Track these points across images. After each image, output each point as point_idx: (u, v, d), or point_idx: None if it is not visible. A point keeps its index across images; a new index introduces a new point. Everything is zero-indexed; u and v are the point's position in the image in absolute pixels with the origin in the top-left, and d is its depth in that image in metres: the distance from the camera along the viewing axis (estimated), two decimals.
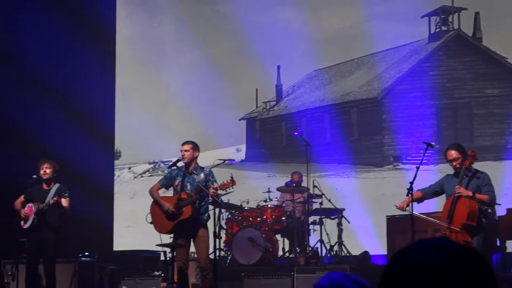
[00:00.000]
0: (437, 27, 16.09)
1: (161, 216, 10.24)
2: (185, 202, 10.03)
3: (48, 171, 11.14)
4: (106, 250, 14.75)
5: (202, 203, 10.21)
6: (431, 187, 9.81)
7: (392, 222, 11.58)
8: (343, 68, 15.84)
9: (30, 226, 11.00)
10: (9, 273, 11.65)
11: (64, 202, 10.89)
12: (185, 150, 10.28)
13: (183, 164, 10.35)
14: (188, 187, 10.18)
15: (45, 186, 11.20)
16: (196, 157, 10.34)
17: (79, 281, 12.15)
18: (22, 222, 11.07)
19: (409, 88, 15.31)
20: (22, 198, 11.19)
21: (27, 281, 11.10)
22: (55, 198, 10.72)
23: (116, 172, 16.87)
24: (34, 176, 11.24)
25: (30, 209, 11.00)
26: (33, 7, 15.35)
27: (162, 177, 10.85)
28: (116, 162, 16.92)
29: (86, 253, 12.81)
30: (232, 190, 10.85)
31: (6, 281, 11.53)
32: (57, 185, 11.15)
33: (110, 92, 16.87)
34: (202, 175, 10.15)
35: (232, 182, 10.02)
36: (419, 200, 9.73)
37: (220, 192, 10.13)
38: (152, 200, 10.46)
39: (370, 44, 15.52)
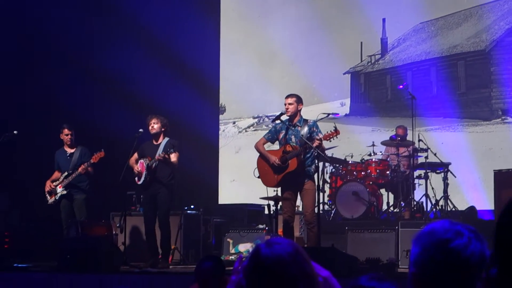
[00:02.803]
0: None
1: (268, 170, 10.31)
2: (291, 155, 10.07)
3: (155, 126, 11.33)
4: (211, 203, 14.94)
5: (308, 155, 10.22)
6: None
7: (500, 176, 11.34)
8: (450, 20, 15.46)
9: (143, 182, 11.25)
10: (117, 225, 11.93)
11: (173, 157, 11.08)
12: (289, 103, 10.30)
13: (287, 117, 10.37)
14: (293, 139, 10.21)
15: (154, 141, 11.41)
16: (300, 110, 10.35)
17: (185, 234, 12.37)
18: (136, 179, 11.33)
19: None
20: (135, 155, 11.43)
21: (146, 234, 11.41)
22: (161, 154, 10.91)
23: (221, 127, 17.00)
24: (140, 130, 11.46)
25: (142, 165, 11.24)
26: None
27: (267, 131, 10.90)
28: (220, 116, 17.04)
29: (192, 206, 13.00)
30: (336, 145, 10.84)
31: (114, 232, 11.82)
32: (166, 140, 11.33)
33: (215, 48, 16.97)
34: (306, 127, 10.16)
35: (336, 132, 9.99)
36: None
37: (324, 143, 10.11)
38: (257, 155, 10.53)
39: None
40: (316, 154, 10.12)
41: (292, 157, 10.06)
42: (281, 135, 10.36)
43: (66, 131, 12.20)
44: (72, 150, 12.22)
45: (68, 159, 12.16)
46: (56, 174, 12.17)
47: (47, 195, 12.06)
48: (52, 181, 12.09)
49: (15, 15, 14.29)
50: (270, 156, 10.27)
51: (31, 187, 13.28)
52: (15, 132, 12.15)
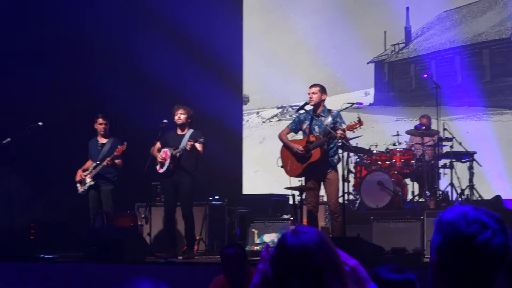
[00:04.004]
0: None
1: (291, 159, 10.31)
2: (314, 145, 10.06)
3: (182, 116, 11.36)
4: (236, 194, 14.96)
5: (331, 145, 10.20)
6: None
7: None
8: (474, 8, 15.34)
9: (166, 171, 11.27)
10: (143, 216, 11.97)
11: (199, 146, 11.10)
12: (313, 93, 10.29)
13: (311, 107, 10.35)
14: (316, 129, 10.19)
15: (179, 131, 11.44)
16: (324, 99, 10.34)
17: (210, 224, 12.40)
18: (158, 167, 11.34)
19: None
20: (158, 144, 11.45)
21: (166, 223, 11.43)
22: (191, 142, 10.92)
23: (245, 117, 17.00)
24: (165, 121, 11.48)
25: (166, 154, 11.25)
26: None
27: (291, 121, 10.90)
28: (244, 107, 17.03)
29: (217, 197, 13.03)
30: (360, 135, 10.80)
31: (140, 223, 11.86)
32: (191, 131, 11.35)
33: (238, 38, 16.96)
34: (329, 117, 10.13)
35: (360, 122, 9.97)
36: None
37: (348, 133, 10.09)
38: (281, 144, 10.54)
39: None
40: (340, 144, 10.10)
41: (315, 147, 10.05)
42: (305, 125, 10.35)
43: (100, 120, 12.22)
44: (105, 141, 12.25)
45: (99, 149, 12.20)
46: (89, 163, 12.23)
47: (78, 184, 12.13)
48: (84, 170, 12.15)
49: (56, 16, 14.44)
50: (293, 145, 10.28)
51: (56, 178, 13.36)
52: (40, 123, 12.21)
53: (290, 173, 10.38)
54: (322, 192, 10.53)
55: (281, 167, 10.50)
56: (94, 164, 12.07)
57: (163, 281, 3.30)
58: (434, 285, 2.41)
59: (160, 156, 11.29)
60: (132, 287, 3.22)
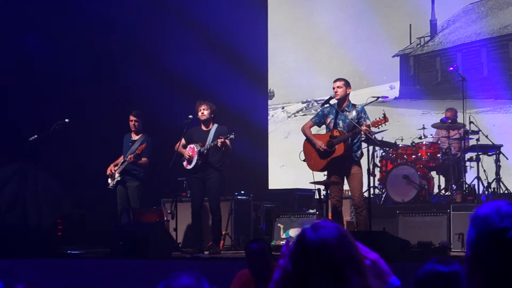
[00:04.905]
0: None
1: (314, 153, 10.29)
2: (337, 140, 10.02)
3: (205, 112, 11.37)
4: (261, 188, 14.97)
5: (355, 140, 10.17)
6: None
7: None
8: (500, 0, 15.24)
9: (194, 167, 11.30)
10: (169, 211, 12.01)
11: (228, 142, 11.13)
12: (338, 87, 10.25)
13: (336, 102, 10.32)
14: (341, 124, 10.15)
15: (203, 127, 11.45)
16: (348, 94, 10.30)
17: (235, 219, 12.42)
18: (185, 163, 11.37)
19: None
20: (182, 141, 11.47)
21: (193, 219, 11.47)
22: (221, 140, 10.93)
23: (270, 112, 16.99)
24: (190, 117, 11.50)
25: (192, 150, 11.27)
26: None
27: (314, 115, 10.87)
28: (269, 102, 17.02)
29: (242, 192, 13.04)
30: (386, 129, 10.75)
31: (166, 219, 11.90)
32: (216, 126, 11.38)
33: (263, 33, 16.96)
34: (354, 112, 10.09)
35: (385, 119, 9.91)
36: None
37: (373, 129, 10.05)
38: (304, 138, 10.51)
39: None
40: (363, 139, 10.08)
41: (339, 142, 10.02)
42: (329, 120, 10.31)
43: (131, 117, 12.25)
44: (136, 137, 12.28)
45: (130, 145, 12.25)
46: (121, 158, 12.28)
47: (109, 178, 12.18)
48: (116, 165, 12.20)
49: (91, 17, 14.60)
50: (316, 141, 10.24)
51: (82, 175, 13.43)
52: (66, 120, 12.27)
53: (313, 167, 10.37)
54: (347, 186, 10.51)
55: (304, 160, 10.49)
56: (122, 160, 12.13)
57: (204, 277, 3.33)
58: (470, 280, 2.39)
59: (187, 152, 11.32)
60: (174, 281, 3.25)
